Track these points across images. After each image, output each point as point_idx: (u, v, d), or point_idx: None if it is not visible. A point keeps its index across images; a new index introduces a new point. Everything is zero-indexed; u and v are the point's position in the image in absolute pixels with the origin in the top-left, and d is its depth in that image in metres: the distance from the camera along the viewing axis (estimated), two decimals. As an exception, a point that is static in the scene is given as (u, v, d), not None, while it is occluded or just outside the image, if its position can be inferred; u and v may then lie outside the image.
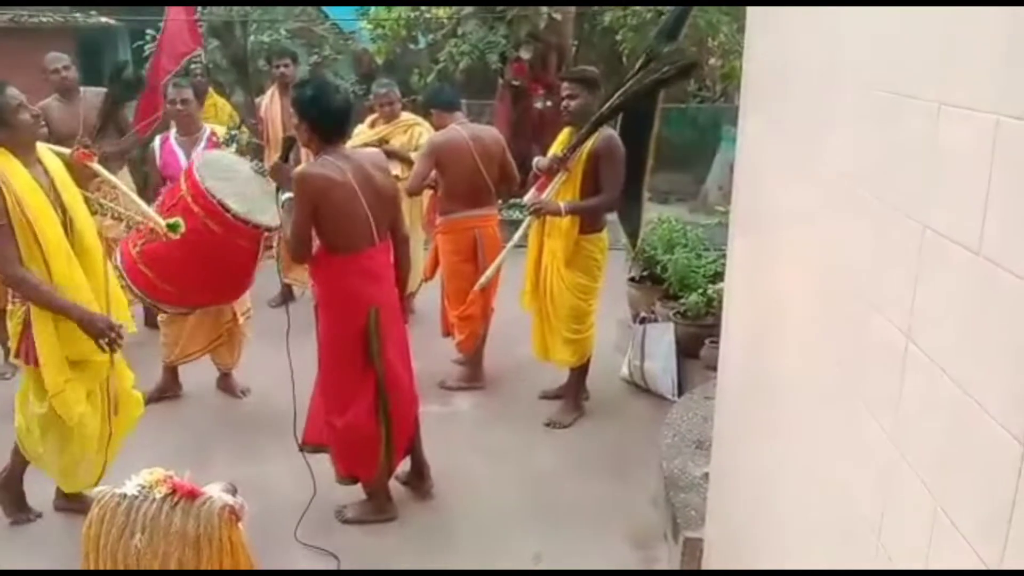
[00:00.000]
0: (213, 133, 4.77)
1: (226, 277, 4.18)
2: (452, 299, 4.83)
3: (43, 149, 3.24)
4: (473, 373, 4.95)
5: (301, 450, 3.54)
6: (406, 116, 5.72)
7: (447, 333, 5.02)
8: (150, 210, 3.53)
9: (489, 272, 4.36)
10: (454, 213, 4.69)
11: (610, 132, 4.21)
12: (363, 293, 3.35)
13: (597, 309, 4.47)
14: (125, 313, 3.45)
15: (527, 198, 4.38)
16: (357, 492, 3.63)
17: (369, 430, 3.44)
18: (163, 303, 4.23)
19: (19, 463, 3.48)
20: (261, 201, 4.04)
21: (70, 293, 3.08)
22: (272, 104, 6.14)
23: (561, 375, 4.65)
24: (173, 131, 4.78)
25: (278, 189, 3.41)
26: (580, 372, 4.55)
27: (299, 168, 3.29)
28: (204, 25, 9.02)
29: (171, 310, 4.36)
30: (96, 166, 3.35)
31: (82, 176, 3.33)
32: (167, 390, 4.75)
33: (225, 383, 4.87)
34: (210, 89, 6.87)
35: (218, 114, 6.43)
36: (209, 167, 4.08)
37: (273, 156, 6.06)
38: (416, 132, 5.53)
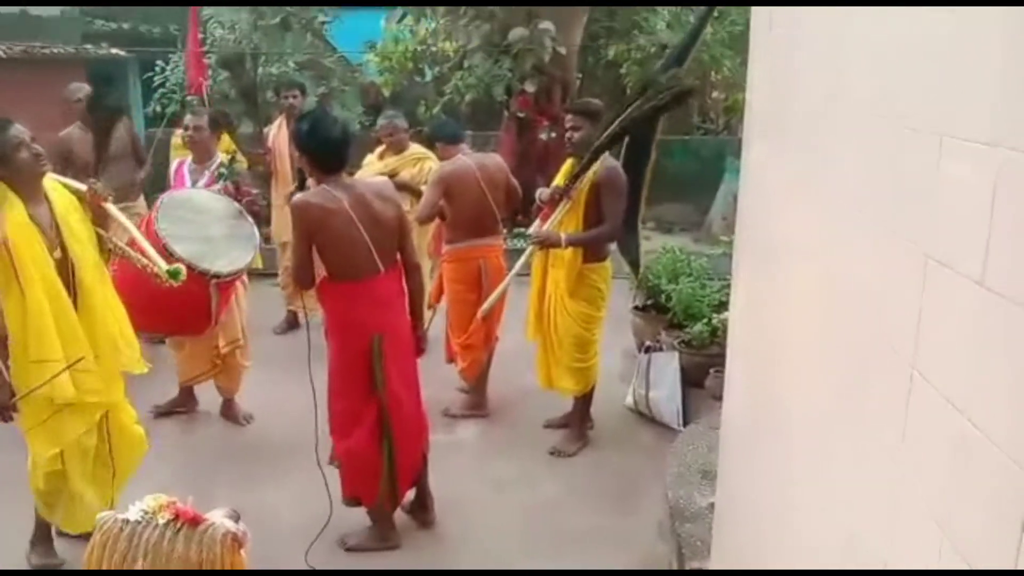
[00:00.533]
0: (221, 163, 4.81)
1: (177, 313, 4.11)
2: (455, 327, 4.85)
3: (54, 184, 3.23)
4: (477, 401, 4.94)
5: (331, 463, 3.60)
6: (415, 148, 5.75)
7: (451, 360, 5.02)
8: (154, 253, 3.48)
9: (491, 300, 4.38)
10: (460, 242, 4.72)
11: (613, 163, 4.25)
12: (367, 320, 3.38)
13: (601, 338, 4.47)
14: (134, 352, 3.41)
15: (531, 229, 4.41)
16: (361, 520, 3.61)
17: (370, 455, 3.46)
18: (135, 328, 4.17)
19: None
20: (222, 244, 4.12)
21: (44, 335, 3.04)
22: (279, 135, 6.19)
23: (566, 404, 4.64)
24: (189, 158, 4.87)
25: None
26: (584, 401, 4.54)
27: (295, 198, 3.35)
28: (212, 58, 9.15)
29: (143, 335, 4.27)
30: (109, 207, 3.30)
31: (98, 214, 3.33)
32: (181, 404, 4.88)
33: (227, 409, 4.89)
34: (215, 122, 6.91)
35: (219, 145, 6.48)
36: (172, 206, 4.12)
37: (279, 186, 6.11)
38: (426, 166, 5.53)
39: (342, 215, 3.26)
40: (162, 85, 9.86)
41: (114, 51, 11.14)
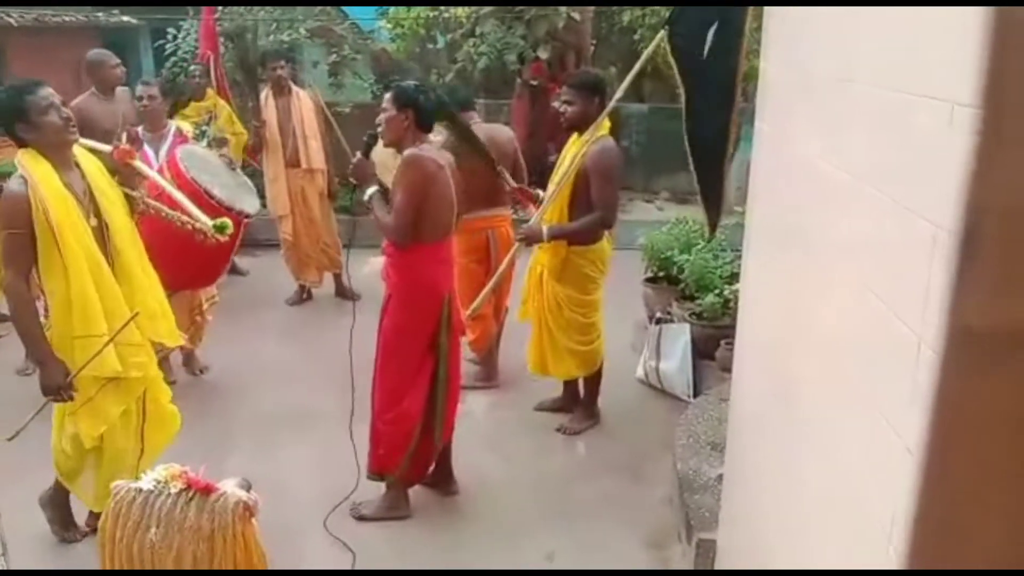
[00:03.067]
0: (179, 130, 4.92)
1: (206, 260, 4.30)
2: (464, 299, 4.81)
3: (81, 151, 3.14)
4: (487, 372, 4.96)
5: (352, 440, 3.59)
6: None
7: (461, 332, 5.01)
8: (196, 210, 3.47)
9: (483, 295, 4.27)
10: (468, 213, 4.67)
11: (603, 143, 3.93)
12: (442, 281, 3.46)
13: (602, 319, 4.31)
14: (170, 322, 3.33)
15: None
16: (377, 491, 3.65)
17: (412, 421, 3.49)
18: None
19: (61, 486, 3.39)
20: (237, 190, 4.39)
21: (89, 308, 2.94)
22: (267, 106, 6.07)
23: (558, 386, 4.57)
24: (141, 127, 4.83)
25: (355, 187, 3.52)
26: (593, 381, 4.43)
27: (410, 151, 3.29)
28: (220, 27, 9.08)
29: None
30: (139, 164, 3.26)
31: (126, 175, 3.25)
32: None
33: (187, 360, 5.06)
34: (208, 90, 6.86)
35: (217, 115, 6.45)
36: (190, 159, 4.31)
37: (271, 158, 6.08)
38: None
39: (445, 171, 3.35)
40: (174, 53, 9.82)
41: (125, 18, 11.10)
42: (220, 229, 3.37)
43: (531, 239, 4.01)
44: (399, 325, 3.45)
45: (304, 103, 6.07)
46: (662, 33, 3.80)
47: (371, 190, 3.41)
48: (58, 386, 2.96)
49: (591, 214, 3.94)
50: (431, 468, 3.72)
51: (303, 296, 6.35)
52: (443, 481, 3.83)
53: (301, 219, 6.15)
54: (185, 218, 3.42)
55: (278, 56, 6.26)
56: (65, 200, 2.94)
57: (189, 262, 4.09)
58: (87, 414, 3.08)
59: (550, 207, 4.00)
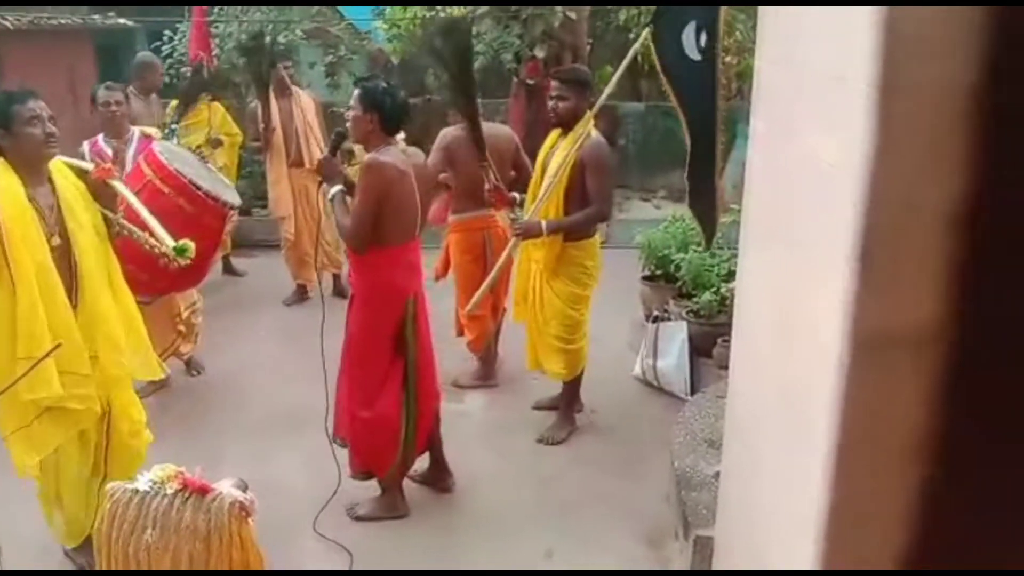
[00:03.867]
0: (143, 134, 4.77)
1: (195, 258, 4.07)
2: (462, 299, 4.80)
3: (59, 167, 3.02)
4: (485, 372, 4.96)
5: (332, 443, 3.60)
6: None
7: (460, 333, 5.02)
8: (162, 231, 3.35)
9: (479, 293, 4.26)
10: (465, 212, 4.70)
11: (597, 139, 3.97)
12: (405, 284, 3.44)
13: (589, 318, 4.28)
14: (143, 356, 3.19)
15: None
16: (370, 489, 3.66)
17: (394, 424, 3.49)
18: (138, 294, 3.86)
19: None
20: (218, 183, 4.36)
21: (35, 329, 2.74)
22: (272, 108, 6.07)
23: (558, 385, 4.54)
24: (100, 135, 4.71)
25: (320, 183, 3.49)
26: (573, 385, 4.38)
27: (371, 156, 3.28)
28: (219, 28, 9.08)
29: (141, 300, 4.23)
30: (116, 184, 3.12)
31: (106, 196, 3.11)
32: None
33: (187, 364, 5.06)
34: (202, 93, 6.87)
35: (211, 117, 6.44)
36: (169, 153, 4.24)
37: (275, 160, 6.08)
38: None
39: (408, 176, 3.30)
40: (170, 55, 9.81)
41: (122, 21, 11.08)
42: (180, 251, 3.16)
43: (529, 234, 3.99)
44: (362, 326, 3.46)
45: (305, 103, 6.09)
46: (646, 32, 3.80)
47: (334, 190, 3.38)
48: None
49: (587, 208, 3.95)
50: (414, 464, 3.73)
51: (302, 296, 6.35)
52: (438, 477, 3.84)
53: (303, 218, 6.17)
54: (152, 241, 3.21)
55: (286, 57, 6.27)
56: (24, 213, 2.77)
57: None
58: (21, 441, 2.86)
59: (545, 202, 3.98)
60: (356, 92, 3.36)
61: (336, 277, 6.33)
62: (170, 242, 3.17)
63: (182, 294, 4.70)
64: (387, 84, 3.38)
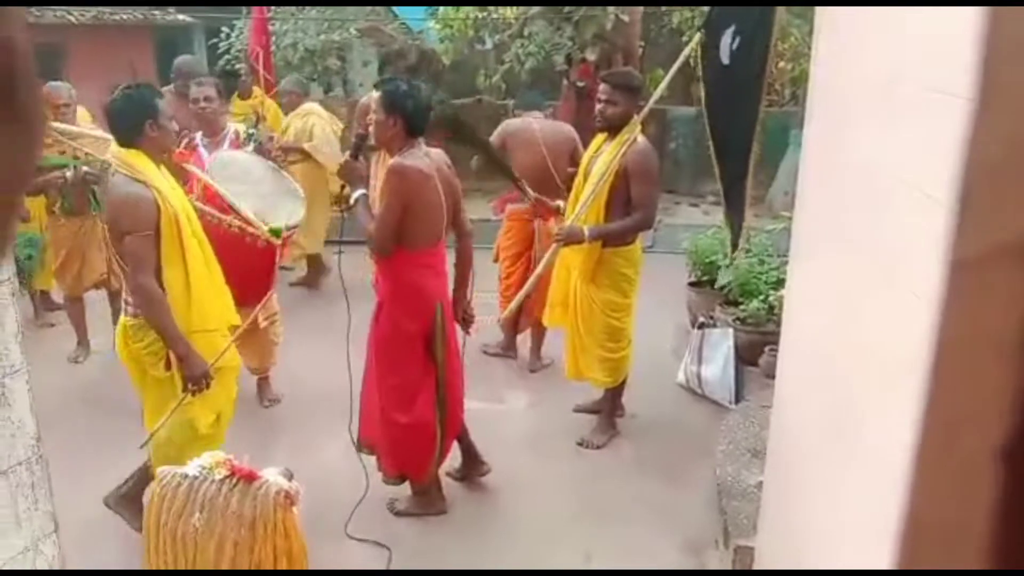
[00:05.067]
0: (236, 133, 4.59)
1: (244, 275, 3.77)
2: (504, 283, 5.07)
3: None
4: (507, 343, 5.24)
5: (359, 451, 3.59)
6: (307, 106, 6.45)
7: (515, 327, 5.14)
8: (254, 217, 3.44)
9: (516, 301, 4.33)
10: (519, 203, 4.78)
11: (644, 145, 3.89)
12: (434, 288, 3.41)
13: (633, 325, 4.22)
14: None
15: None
16: (408, 486, 3.67)
17: (431, 427, 3.49)
18: None
19: (148, 478, 3.45)
20: (275, 199, 4.06)
21: (205, 303, 3.12)
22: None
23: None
24: (200, 133, 4.55)
25: (343, 187, 3.43)
26: (616, 391, 4.34)
27: (395, 160, 3.24)
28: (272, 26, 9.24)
29: None
30: (193, 168, 3.32)
31: (179, 180, 3.34)
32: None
33: (259, 387, 4.71)
34: (255, 89, 7.02)
35: (262, 113, 6.53)
36: (221, 169, 4.04)
37: (383, 156, 6.13)
38: (310, 122, 6.27)
39: (432, 179, 3.25)
40: (227, 51, 10.01)
41: (181, 17, 11.35)
42: (275, 233, 3.40)
43: (571, 240, 3.92)
44: (392, 330, 3.41)
45: None
46: (698, 35, 3.77)
47: (357, 193, 3.34)
48: (202, 376, 3.05)
49: (629, 215, 3.88)
50: (450, 458, 3.75)
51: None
52: (473, 467, 3.84)
53: None
54: (237, 222, 3.39)
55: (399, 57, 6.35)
56: (187, 205, 3.12)
57: (230, 273, 3.61)
58: (202, 403, 3.17)
59: (588, 208, 3.93)
60: (377, 95, 3.32)
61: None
62: (261, 225, 3.46)
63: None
64: (408, 85, 3.33)
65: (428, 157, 3.31)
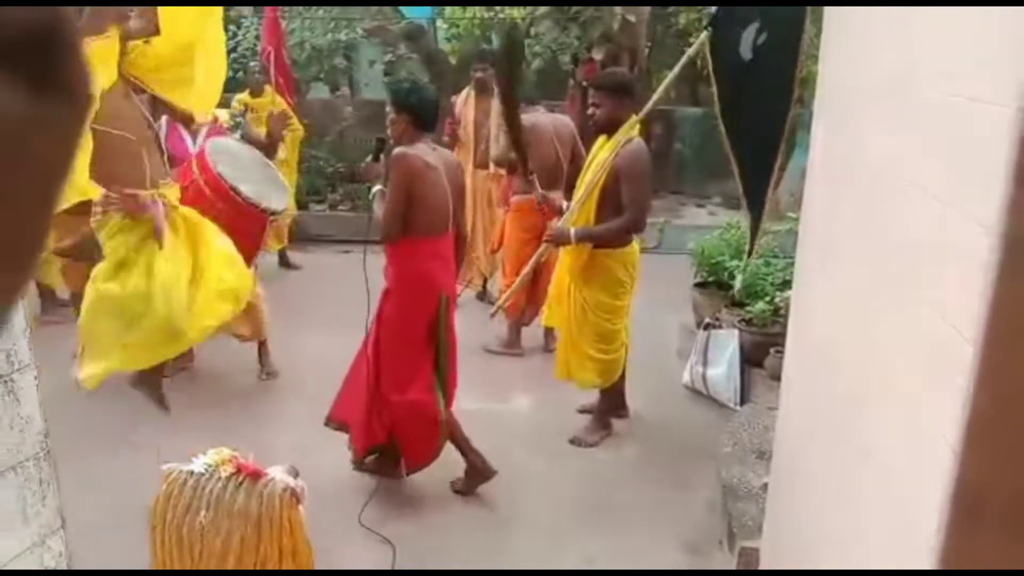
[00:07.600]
0: (215, 119, 4.87)
1: (240, 236, 4.17)
2: (508, 273, 5.13)
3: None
4: (511, 340, 5.26)
5: (326, 424, 3.78)
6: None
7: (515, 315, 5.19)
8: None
9: (508, 293, 4.39)
10: (527, 194, 4.82)
11: (635, 145, 3.83)
12: (439, 277, 3.53)
13: (627, 329, 4.20)
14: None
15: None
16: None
17: (433, 407, 3.59)
18: None
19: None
20: (266, 186, 4.43)
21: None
22: (467, 105, 6.19)
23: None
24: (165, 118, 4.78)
25: (369, 185, 3.66)
26: (610, 392, 4.31)
27: (398, 149, 3.42)
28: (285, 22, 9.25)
29: None
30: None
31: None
32: (181, 360, 4.69)
33: (260, 355, 4.96)
34: (267, 87, 7.06)
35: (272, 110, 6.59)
36: (219, 153, 4.35)
37: (461, 156, 6.10)
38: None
39: (436, 170, 3.43)
40: (234, 50, 10.01)
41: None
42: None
43: (558, 241, 3.93)
44: (397, 316, 3.55)
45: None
46: (704, 36, 3.71)
47: (375, 188, 3.56)
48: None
49: (620, 216, 3.82)
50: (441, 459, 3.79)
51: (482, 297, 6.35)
52: (477, 472, 3.82)
53: (479, 220, 6.19)
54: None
55: (483, 59, 6.23)
56: None
57: None
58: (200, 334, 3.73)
59: (579, 209, 3.90)
60: (389, 95, 3.53)
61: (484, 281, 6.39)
62: None
63: None
64: (413, 83, 3.55)
65: (435, 152, 3.50)
